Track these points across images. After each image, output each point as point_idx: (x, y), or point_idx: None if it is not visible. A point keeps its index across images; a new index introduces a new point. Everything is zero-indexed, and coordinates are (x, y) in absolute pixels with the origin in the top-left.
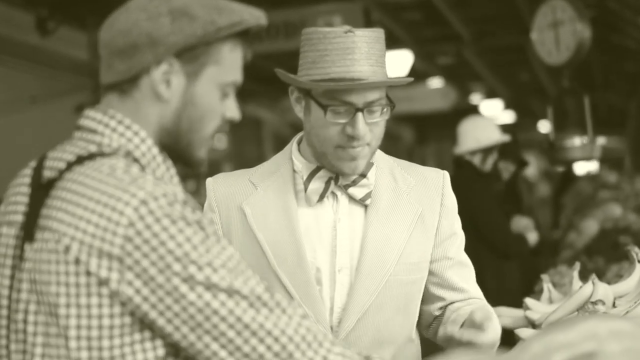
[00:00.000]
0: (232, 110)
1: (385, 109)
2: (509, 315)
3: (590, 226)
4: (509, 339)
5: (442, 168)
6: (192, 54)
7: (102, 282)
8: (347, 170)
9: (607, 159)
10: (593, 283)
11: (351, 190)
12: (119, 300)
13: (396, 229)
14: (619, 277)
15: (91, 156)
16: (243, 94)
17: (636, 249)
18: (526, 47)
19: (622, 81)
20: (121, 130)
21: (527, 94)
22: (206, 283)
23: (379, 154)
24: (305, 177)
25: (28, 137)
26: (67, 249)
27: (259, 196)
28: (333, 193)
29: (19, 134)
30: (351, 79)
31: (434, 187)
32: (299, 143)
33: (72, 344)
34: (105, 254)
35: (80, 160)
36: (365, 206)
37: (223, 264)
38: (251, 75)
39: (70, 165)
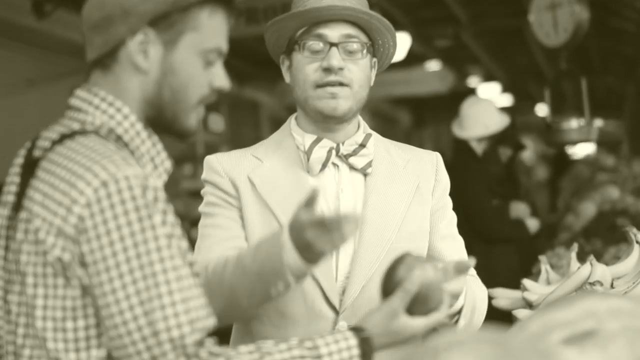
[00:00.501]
0: (220, 78)
1: (365, 51)
2: (507, 296)
3: (588, 208)
4: (507, 320)
5: (440, 151)
6: (168, 22)
7: (59, 262)
8: (327, 111)
9: (605, 142)
10: (591, 264)
11: (352, 159)
12: (77, 280)
13: (395, 198)
14: (616, 259)
15: (72, 135)
16: (240, 76)
17: (634, 230)
18: (524, 30)
19: (619, 64)
20: (104, 107)
21: (525, 77)
22: (124, 291)
23: (373, 133)
24: (307, 147)
25: (25, 120)
26: (36, 228)
27: (266, 168)
28: (334, 164)
29: (17, 117)
30: (321, 7)
31: (429, 163)
32: (295, 119)
33: (39, 323)
34: (62, 233)
35: (63, 138)
36: (365, 175)
37: (153, 273)
38: (248, 57)
39: (54, 144)
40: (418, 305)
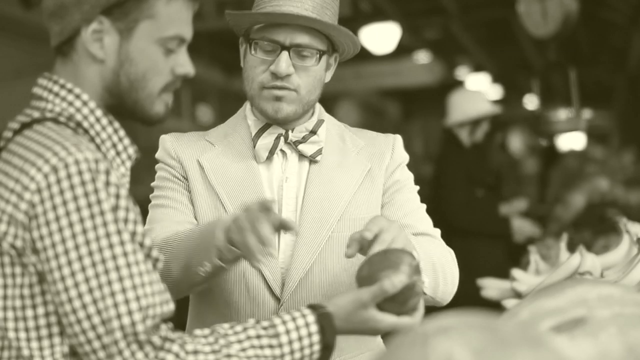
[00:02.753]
0: (183, 65)
1: (317, 57)
2: (496, 287)
3: (577, 200)
4: (496, 311)
5: (430, 144)
6: (122, 10)
7: (13, 249)
8: (270, 112)
9: (594, 134)
10: (581, 254)
11: (301, 147)
12: (33, 267)
13: (340, 185)
14: (606, 249)
15: (31, 123)
16: (228, 68)
17: (624, 219)
18: (513, 21)
19: (608, 56)
20: (63, 94)
21: (514, 68)
22: (73, 278)
23: (330, 117)
24: (254, 133)
25: (13, 111)
26: None
27: (216, 152)
28: (283, 151)
29: (4, 108)
30: (274, 13)
31: (384, 145)
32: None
33: None
34: (14, 219)
35: (22, 127)
36: (313, 163)
37: (102, 260)
38: (236, 48)
39: (15, 134)
40: (392, 303)
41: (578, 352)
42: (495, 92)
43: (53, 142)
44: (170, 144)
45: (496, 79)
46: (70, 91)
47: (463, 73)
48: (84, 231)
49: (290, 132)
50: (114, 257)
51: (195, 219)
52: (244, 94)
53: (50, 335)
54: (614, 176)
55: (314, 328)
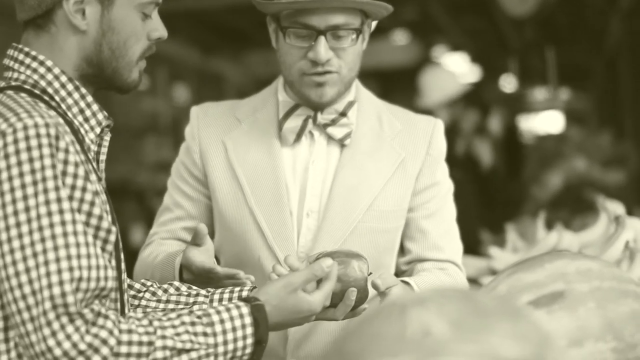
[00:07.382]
0: (158, 29)
1: (354, 36)
2: (472, 265)
3: (554, 180)
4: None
5: None
6: None
7: None
8: (314, 98)
9: (572, 115)
10: (558, 232)
11: (330, 129)
12: None
13: (372, 174)
14: (583, 228)
15: None
16: (205, 48)
17: (601, 198)
18: (490, 0)
19: (586, 37)
20: (28, 62)
21: (492, 48)
22: (9, 245)
23: (368, 95)
24: (282, 115)
25: None
26: None
27: (243, 131)
28: (311, 133)
29: None
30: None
31: (422, 133)
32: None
33: None
34: None
35: None
36: (343, 147)
37: (39, 228)
38: (213, 28)
39: None
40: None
41: (556, 326)
42: (473, 72)
43: (7, 109)
44: (196, 122)
45: (474, 59)
46: (34, 58)
47: (440, 53)
48: (25, 197)
49: (319, 114)
50: (51, 226)
51: (212, 197)
52: (221, 74)
53: None
54: (591, 157)
55: (247, 320)
